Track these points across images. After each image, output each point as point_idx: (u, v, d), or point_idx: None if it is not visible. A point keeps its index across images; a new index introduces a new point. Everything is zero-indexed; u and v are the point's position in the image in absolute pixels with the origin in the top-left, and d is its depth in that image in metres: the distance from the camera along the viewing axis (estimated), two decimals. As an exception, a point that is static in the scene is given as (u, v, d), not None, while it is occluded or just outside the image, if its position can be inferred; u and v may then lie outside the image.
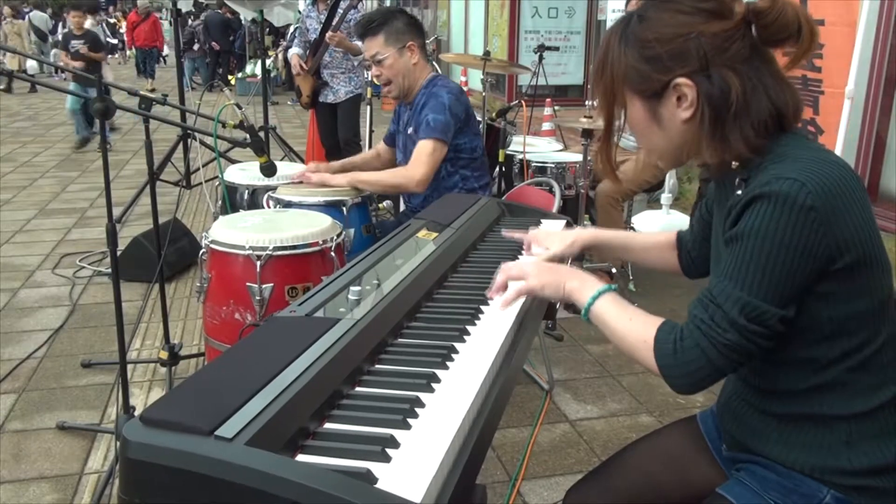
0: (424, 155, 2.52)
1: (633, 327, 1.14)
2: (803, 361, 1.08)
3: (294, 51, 5.32)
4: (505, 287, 1.33)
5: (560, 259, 1.62)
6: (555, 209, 2.76)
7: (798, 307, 1.04)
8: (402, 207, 3.55)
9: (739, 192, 1.08)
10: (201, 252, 2.13)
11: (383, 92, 2.75)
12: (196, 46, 14.46)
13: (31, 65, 14.23)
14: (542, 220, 2.01)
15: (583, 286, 1.22)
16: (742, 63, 1.06)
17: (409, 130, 2.70)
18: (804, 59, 1.08)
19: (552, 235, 1.64)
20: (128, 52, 19.74)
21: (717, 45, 1.06)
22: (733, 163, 1.11)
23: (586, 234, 1.59)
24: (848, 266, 1.02)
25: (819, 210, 0.98)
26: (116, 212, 2.32)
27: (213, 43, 14.25)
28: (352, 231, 2.39)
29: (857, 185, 1.04)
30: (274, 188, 2.63)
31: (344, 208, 2.42)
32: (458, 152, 2.64)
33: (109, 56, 20.89)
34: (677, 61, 1.07)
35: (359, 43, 5.11)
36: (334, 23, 4.88)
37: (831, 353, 1.07)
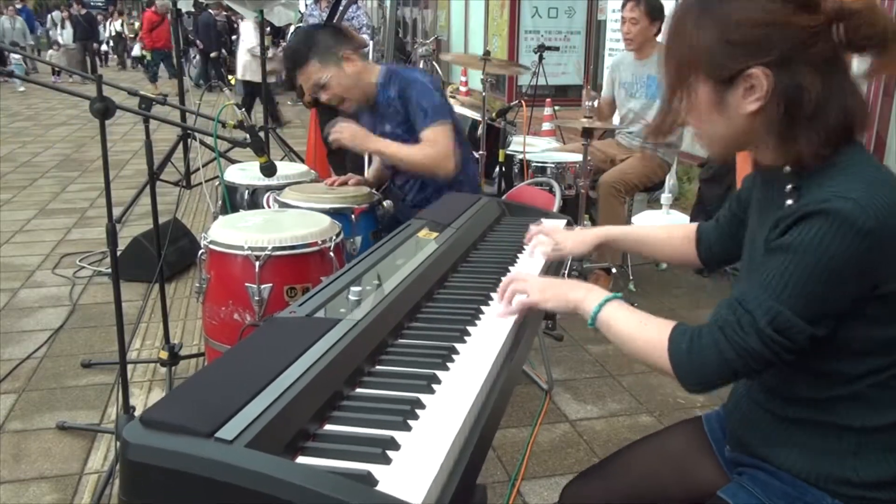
0: (444, 138, 2.40)
1: (645, 330, 1.13)
2: (827, 373, 1.07)
3: None
4: (510, 299, 1.35)
5: (571, 255, 1.66)
6: (555, 209, 2.75)
7: (833, 323, 1.01)
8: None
9: (790, 201, 1.05)
10: (200, 252, 2.12)
11: (342, 108, 2.62)
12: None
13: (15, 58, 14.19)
14: (543, 220, 2.01)
15: (588, 295, 1.22)
16: (823, 63, 1.01)
17: (387, 129, 2.57)
18: (886, 71, 1.04)
19: (565, 234, 1.67)
20: (137, 54, 19.41)
21: (802, 40, 1.00)
22: (785, 168, 1.07)
23: (599, 230, 1.62)
24: (892, 292, 0.99)
25: (875, 235, 0.95)
26: (116, 212, 2.32)
27: (198, 42, 14.21)
28: (359, 238, 2.38)
29: None
30: (274, 188, 2.62)
31: (352, 215, 2.39)
32: None
33: (110, 62, 20.55)
34: (758, 49, 1.01)
35: (364, 37, 5.14)
36: (335, 19, 4.91)
37: (857, 369, 1.05)
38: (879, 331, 1.02)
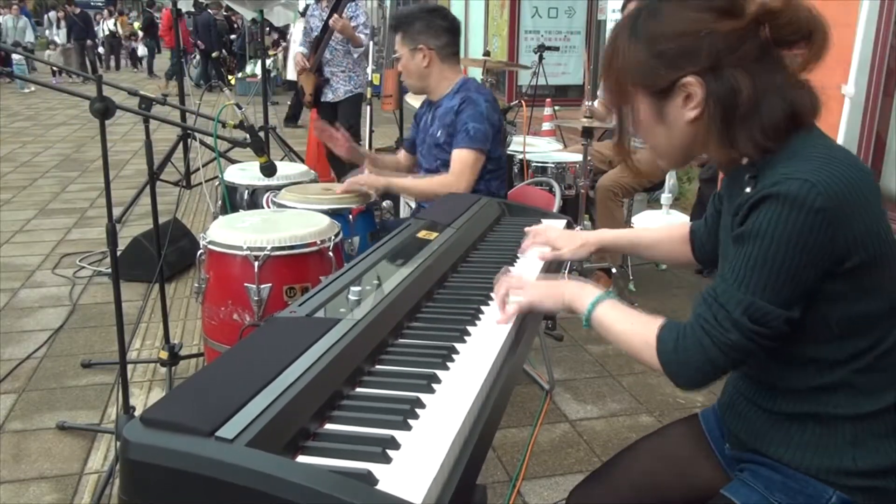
0: (467, 166, 2.49)
1: (635, 329, 1.14)
2: (810, 361, 1.08)
3: (299, 49, 5.38)
4: (504, 301, 1.35)
5: (569, 260, 1.67)
6: (555, 209, 2.75)
7: (806, 307, 1.03)
8: (402, 208, 3.54)
9: (748, 189, 1.06)
10: (199, 253, 2.12)
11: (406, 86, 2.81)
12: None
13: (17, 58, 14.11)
14: (543, 220, 2.00)
15: (582, 293, 1.24)
16: (753, 63, 1.04)
17: (434, 130, 2.65)
18: (816, 62, 1.06)
19: (561, 235, 1.67)
20: (143, 54, 19.19)
21: (728, 45, 1.04)
22: (743, 159, 1.10)
23: (595, 235, 1.63)
24: (857, 266, 1.01)
25: (828, 211, 0.97)
26: (116, 212, 2.32)
27: (199, 42, 14.19)
28: (356, 239, 2.38)
29: (869, 184, 1.03)
30: (274, 188, 2.62)
31: (350, 216, 2.40)
32: (487, 161, 2.58)
33: (109, 67, 20.24)
34: (687, 59, 1.05)
35: (361, 36, 5.14)
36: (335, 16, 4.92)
37: (839, 353, 1.06)
38: (850, 309, 1.04)
